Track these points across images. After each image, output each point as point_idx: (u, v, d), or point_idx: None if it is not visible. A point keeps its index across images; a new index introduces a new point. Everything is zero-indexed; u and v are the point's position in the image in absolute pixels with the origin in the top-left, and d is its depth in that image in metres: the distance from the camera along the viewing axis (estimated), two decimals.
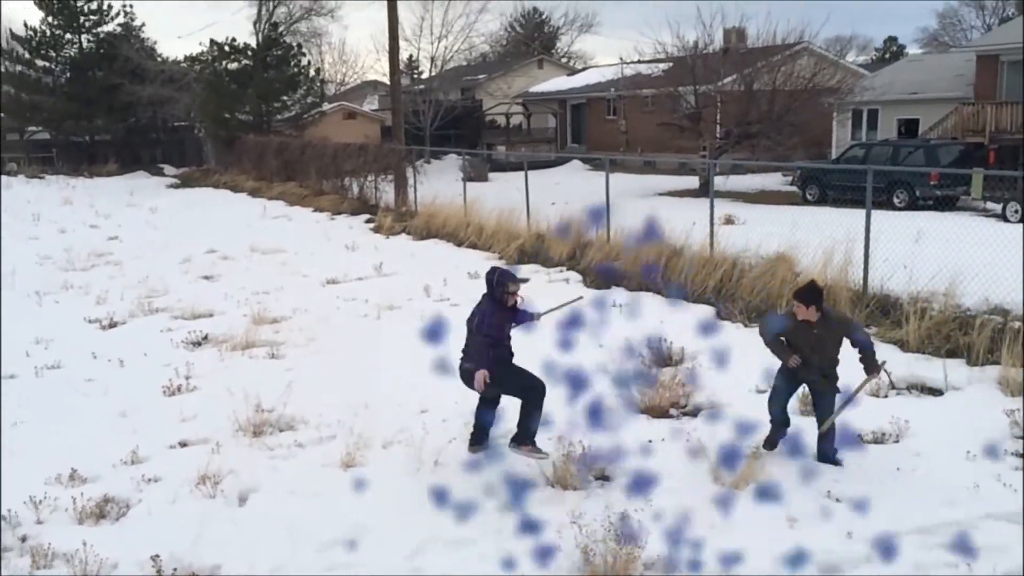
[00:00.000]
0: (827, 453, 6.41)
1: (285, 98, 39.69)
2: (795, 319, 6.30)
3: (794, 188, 25.50)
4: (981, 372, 8.07)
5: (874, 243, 10.43)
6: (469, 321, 6.52)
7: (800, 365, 6.29)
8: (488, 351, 6.34)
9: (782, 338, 6.38)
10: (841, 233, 10.85)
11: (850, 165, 21.61)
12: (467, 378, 6.41)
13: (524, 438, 6.49)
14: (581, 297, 6.84)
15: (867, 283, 10.36)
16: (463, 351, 6.49)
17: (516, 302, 6.54)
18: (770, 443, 6.63)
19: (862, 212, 10.63)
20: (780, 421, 6.60)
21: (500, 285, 6.43)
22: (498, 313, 6.43)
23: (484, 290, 6.56)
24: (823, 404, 6.44)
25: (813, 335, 6.27)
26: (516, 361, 6.55)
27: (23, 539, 5.78)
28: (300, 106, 40.42)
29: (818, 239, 11.16)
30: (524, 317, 6.64)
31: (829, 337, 6.31)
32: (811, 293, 6.32)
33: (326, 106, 44.14)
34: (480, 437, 6.77)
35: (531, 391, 6.43)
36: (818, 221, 12.52)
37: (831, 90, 27.62)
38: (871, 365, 6.36)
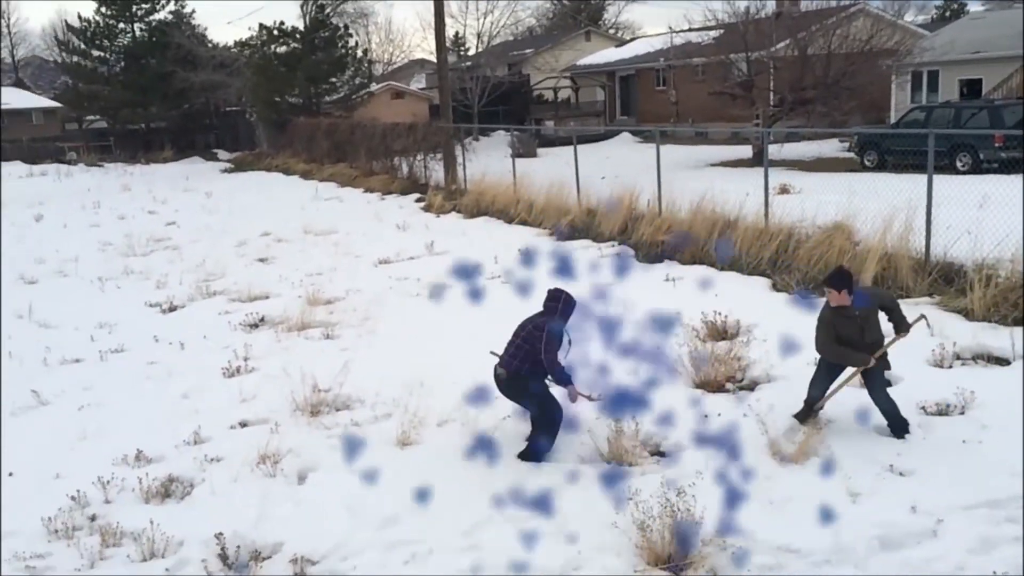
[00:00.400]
0: (897, 425, 6.27)
1: (334, 80, 39.96)
2: (832, 309, 6.15)
3: (852, 154, 24.86)
4: None
5: (936, 209, 10.12)
6: (523, 331, 6.33)
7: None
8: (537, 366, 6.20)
9: (835, 340, 6.22)
10: (902, 200, 10.54)
11: (910, 129, 20.96)
12: (501, 383, 6.29)
13: (529, 455, 6.32)
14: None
15: (929, 251, 10.06)
16: (502, 357, 6.37)
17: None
18: (802, 418, 6.52)
19: (923, 177, 10.31)
20: (814, 401, 6.48)
21: (569, 309, 6.08)
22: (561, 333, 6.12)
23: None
24: (876, 380, 6.30)
25: (856, 319, 6.14)
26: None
27: (92, 518, 5.96)
28: (348, 87, 40.66)
29: (877, 206, 10.86)
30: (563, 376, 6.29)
31: (870, 315, 6.20)
32: (841, 278, 6.20)
33: (374, 86, 44.37)
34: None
35: (543, 417, 6.31)
36: (877, 188, 12.19)
37: (889, 52, 26.79)
38: (901, 325, 6.28)
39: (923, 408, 6.69)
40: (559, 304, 6.12)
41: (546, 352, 6.14)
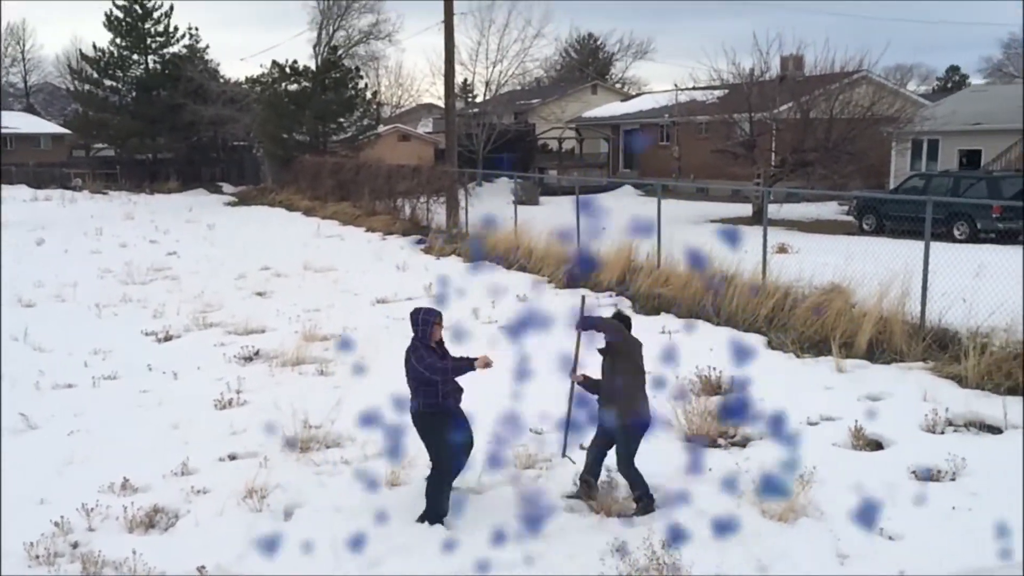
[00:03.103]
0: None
1: (342, 119, 40.39)
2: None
3: (850, 218, 25.08)
4: None
5: (932, 276, 10.20)
6: (409, 371, 6.17)
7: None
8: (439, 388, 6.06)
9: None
10: (898, 264, 10.63)
11: (909, 196, 21.19)
12: (417, 423, 6.17)
13: (428, 517, 6.12)
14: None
15: (925, 316, 10.12)
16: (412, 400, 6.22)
17: (440, 338, 6.20)
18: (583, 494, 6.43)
19: (920, 244, 10.41)
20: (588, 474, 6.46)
21: (425, 324, 6.12)
22: (432, 353, 6.08)
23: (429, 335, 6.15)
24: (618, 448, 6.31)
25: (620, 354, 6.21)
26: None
27: (75, 545, 5.90)
28: (356, 128, 41.08)
29: (874, 270, 10.94)
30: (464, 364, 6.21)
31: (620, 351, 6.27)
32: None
33: (381, 128, 44.84)
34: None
35: (437, 468, 6.17)
36: (875, 252, 12.29)
37: (890, 119, 27.17)
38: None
39: (914, 473, 6.68)
40: (418, 324, 6.14)
41: (424, 367, 6.00)
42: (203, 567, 5.37)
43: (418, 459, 7.01)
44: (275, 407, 8.33)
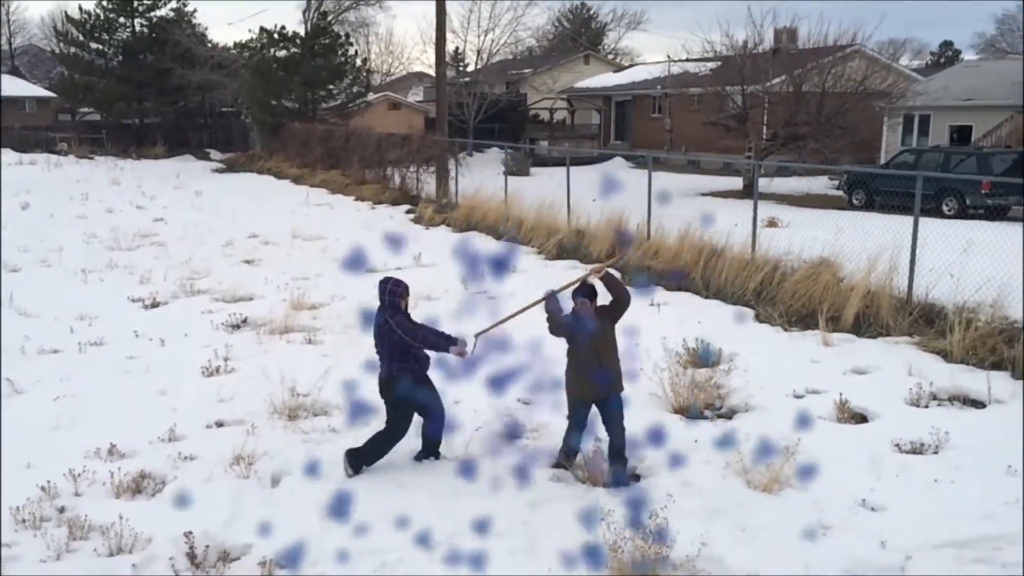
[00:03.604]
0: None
1: (331, 87, 39.99)
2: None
3: (840, 192, 25.11)
4: None
5: (920, 251, 10.24)
6: (381, 333, 6.31)
7: None
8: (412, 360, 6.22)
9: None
10: (887, 239, 10.66)
11: (899, 171, 21.21)
12: (382, 388, 6.32)
13: (355, 463, 6.36)
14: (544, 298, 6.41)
15: (912, 291, 10.17)
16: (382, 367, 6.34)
17: (406, 308, 6.34)
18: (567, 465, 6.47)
19: (909, 219, 10.44)
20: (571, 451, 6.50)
21: (396, 295, 6.27)
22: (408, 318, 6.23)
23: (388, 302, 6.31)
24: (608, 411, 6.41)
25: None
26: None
27: (61, 510, 5.90)
28: (345, 95, 40.70)
29: (863, 244, 10.98)
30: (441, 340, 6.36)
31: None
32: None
33: (371, 96, 44.44)
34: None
35: (389, 432, 6.35)
36: (864, 226, 12.31)
37: (882, 94, 27.13)
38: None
39: (898, 445, 6.74)
40: (386, 294, 6.28)
41: (406, 334, 6.15)
42: (190, 532, 5.37)
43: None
44: (263, 375, 8.32)
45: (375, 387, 6.39)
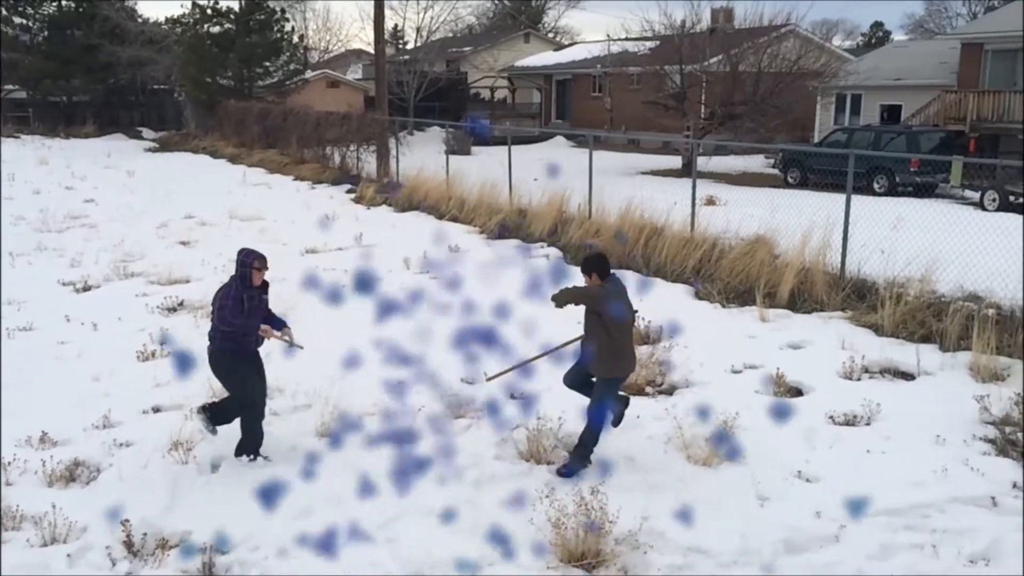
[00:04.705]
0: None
1: (268, 64, 39.19)
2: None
3: (776, 171, 25.58)
4: (953, 358, 8.16)
5: (853, 227, 10.49)
6: (214, 304, 6.24)
7: None
8: (231, 341, 6.12)
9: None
10: (821, 217, 10.89)
11: (832, 149, 21.69)
12: (213, 363, 6.20)
13: (246, 449, 6.29)
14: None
15: (845, 267, 10.43)
16: (210, 335, 6.25)
17: (262, 281, 6.26)
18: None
19: (842, 196, 10.68)
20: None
21: (245, 266, 6.15)
22: (243, 295, 6.09)
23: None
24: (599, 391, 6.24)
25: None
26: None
27: None
28: (283, 72, 39.93)
29: (798, 222, 11.20)
30: (276, 323, 6.41)
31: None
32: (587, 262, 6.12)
33: (309, 74, 43.67)
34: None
35: (246, 408, 6.24)
36: (798, 204, 12.56)
37: (816, 73, 27.65)
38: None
39: (831, 418, 6.93)
40: (238, 266, 6.18)
41: (224, 313, 6.05)
42: (127, 520, 5.27)
43: (349, 412, 6.99)
44: (200, 359, 8.14)
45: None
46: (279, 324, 6.42)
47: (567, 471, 5.99)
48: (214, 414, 6.27)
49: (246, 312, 6.10)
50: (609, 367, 6.03)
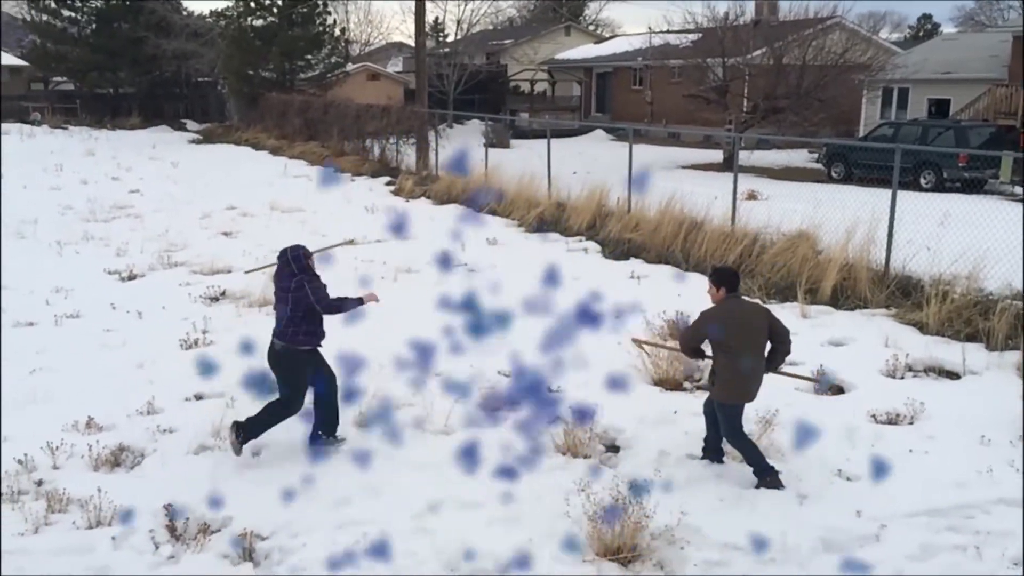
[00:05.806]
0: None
1: (309, 57, 39.46)
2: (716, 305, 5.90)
3: (819, 165, 25.20)
4: (1000, 357, 8.00)
5: (898, 223, 10.30)
6: (287, 296, 6.20)
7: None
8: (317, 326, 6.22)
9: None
10: (865, 212, 10.72)
11: (878, 143, 21.29)
12: (284, 361, 6.23)
13: (245, 430, 6.24)
14: (352, 241, 6.42)
15: (889, 263, 10.25)
16: (278, 333, 6.25)
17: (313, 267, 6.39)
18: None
19: (887, 192, 10.49)
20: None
21: (304, 258, 6.29)
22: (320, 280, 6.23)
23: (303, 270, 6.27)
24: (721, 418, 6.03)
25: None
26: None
27: (39, 483, 5.87)
28: (324, 65, 40.20)
29: (841, 217, 11.03)
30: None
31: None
32: (717, 274, 5.96)
33: (350, 66, 43.92)
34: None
35: (286, 403, 6.26)
36: (842, 199, 12.37)
37: (862, 67, 27.15)
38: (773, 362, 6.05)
39: (874, 416, 6.83)
40: (293, 262, 6.26)
41: (318, 300, 6.16)
42: (169, 504, 5.36)
43: (388, 402, 7.04)
44: (242, 348, 8.25)
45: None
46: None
47: (765, 485, 5.73)
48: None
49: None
50: (719, 390, 5.82)
